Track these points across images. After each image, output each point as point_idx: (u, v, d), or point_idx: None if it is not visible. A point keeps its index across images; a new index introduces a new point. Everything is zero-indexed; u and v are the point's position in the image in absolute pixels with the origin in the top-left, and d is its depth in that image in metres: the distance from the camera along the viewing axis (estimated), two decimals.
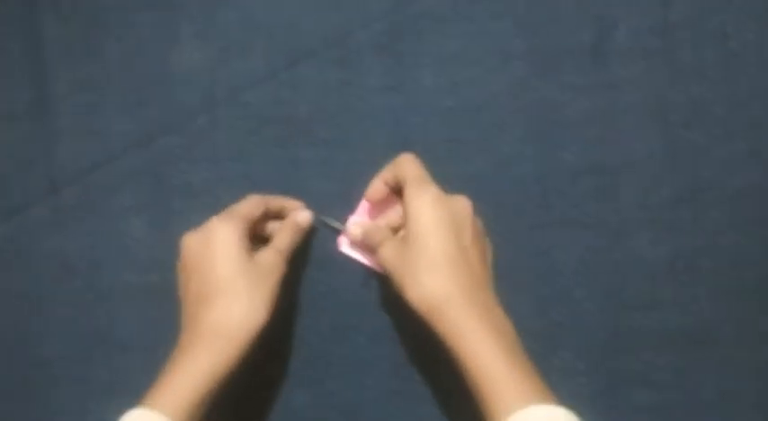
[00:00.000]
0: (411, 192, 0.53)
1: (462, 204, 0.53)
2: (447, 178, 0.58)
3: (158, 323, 0.61)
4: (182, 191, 0.62)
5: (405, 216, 0.53)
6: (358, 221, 0.59)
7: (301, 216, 0.59)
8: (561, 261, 0.61)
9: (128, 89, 0.63)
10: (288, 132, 0.62)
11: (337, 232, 0.60)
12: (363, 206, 0.60)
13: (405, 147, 0.59)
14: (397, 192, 0.56)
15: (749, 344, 0.61)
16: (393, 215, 0.58)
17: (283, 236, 0.57)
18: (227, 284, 0.52)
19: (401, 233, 0.56)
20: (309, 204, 0.60)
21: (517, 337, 0.51)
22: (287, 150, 0.62)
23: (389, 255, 0.53)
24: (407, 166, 0.55)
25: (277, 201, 0.59)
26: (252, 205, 0.57)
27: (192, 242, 0.54)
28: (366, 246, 0.58)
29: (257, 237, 0.58)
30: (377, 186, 0.57)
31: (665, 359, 0.61)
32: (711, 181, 0.61)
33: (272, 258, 0.54)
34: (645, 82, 0.62)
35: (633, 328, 0.61)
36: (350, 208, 0.60)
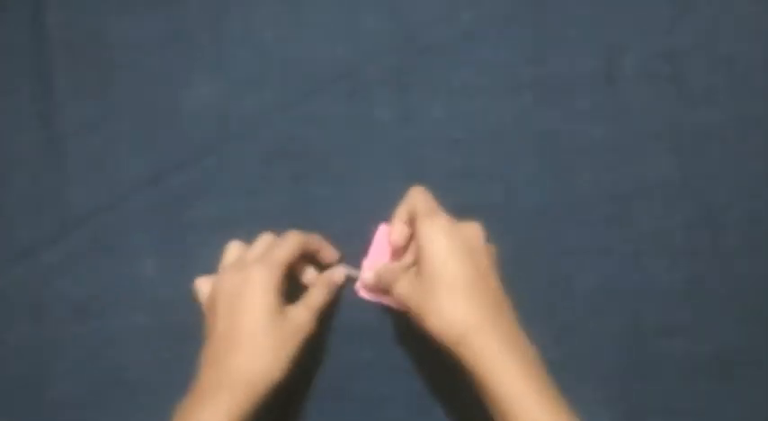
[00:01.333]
0: (422, 223, 0.52)
1: (474, 229, 0.53)
2: (460, 209, 0.58)
3: (171, 365, 0.61)
4: (194, 229, 0.62)
5: (418, 248, 0.53)
6: (370, 266, 0.58)
7: (337, 274, 0.59)
8: (576, 290, 0.61)
9: (138, 127, 0.63)
10: (300, 167, 0.62)
11: (354, 280, 0.60)
12: (376, 247, 0.59)
13: (417, 180, 0.59)
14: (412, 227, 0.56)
15: None
16: (407, 255, 0.57)
17: (318, 293, 0.56)
18: (255, 335, 0.51)
19: (414, 268, 0.56)
20: (323, 238, 0.59)
21: (542, 363, 0.50)
22: (300, 186, 0.62)
23: (406, 290, 0.53)
24: (417, 199, 0.55)
25: (315, 243, 0.58)
26: (292, 247, 0.55)
27: (226, 282, 0.53)
28: (382, 288, 0.57)
29: (290, 276, 0.56)
30: (399, 229, 0.56)
31: (684, 386, 0.60)
32: (726, 205, 0.61)
33: (304, 316, 0.54)
34: (655, 107, 0.62)
35: (652, 356, 0.60)
36: (364, 243, 0.59)
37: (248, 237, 0.60)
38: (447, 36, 0.62)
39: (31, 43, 0.63)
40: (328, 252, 0.59)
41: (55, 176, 0.63)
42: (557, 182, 0.61)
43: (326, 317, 0.61)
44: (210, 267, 0.60)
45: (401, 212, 0.56)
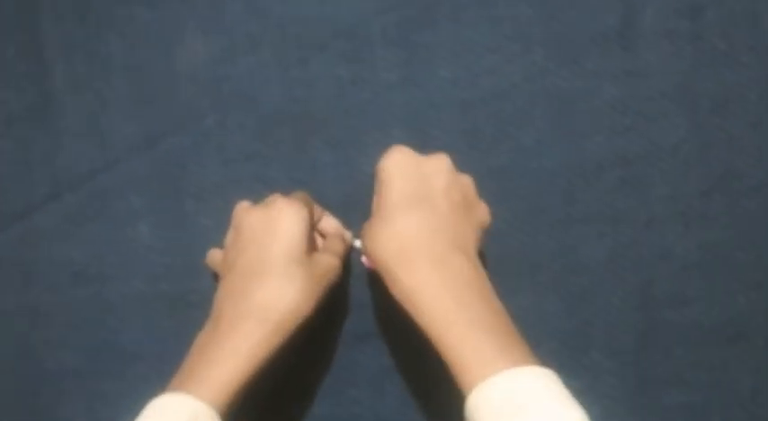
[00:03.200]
0: (382, 158, 0.49)
1: (436, 159, 0.49)
2: (466, 172, 0.56)
3: (169, 331, 0.59)
4: (191, 194, 0.60)
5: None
6: None
7: (347, 233, 0.57)
8: (588, 257, 0.59)
9: (131, 88, 0.60)
10: (300, 131, 0.60)
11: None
12: None
13: (423, 142, 0.56)
14: None
15: None
16: None
17: (336, 242, 0.54)
18: (284, 266, 0.48)
19: None
20: (326, 205, 0.57)
21: (484, 288, 0.46)
22: (300, 149, 0.59)
23: (365, 229, 0.49)
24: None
25: (317, 212, 0.55)
26: (309, 200, 0.53)
27: (255, 215, 0.51)
28: None
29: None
30: None
31: (697, 357, 0.59)
32: (743, 170, 0.59)
33: (331, 260, 0.51)
34: (673, 67, 0.59)
35: (664, 326, 0.59)
36: (366, 209, 0.57)
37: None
38: None
39: (18, 3, 0.60)
40: (329, 222, 0.57)
41: (46, 138, 0.60)
42: (567, 145, 0.59)
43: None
44: (207, 234, 0.59)
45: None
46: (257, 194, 0.55)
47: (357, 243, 0.57)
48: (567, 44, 0.59)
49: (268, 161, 0.60)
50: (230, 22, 0.60)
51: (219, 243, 0.59)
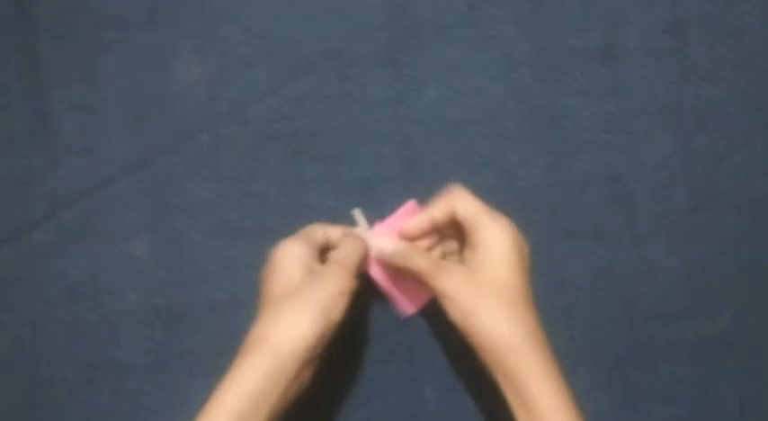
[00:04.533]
0: (484, 221, 0.51)
1: (523, 239, 0.52)
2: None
3: (163, 345, 0.60)
4: (185, 210, 0.61)
5: (476, 244, 0.51)
6: (383, 233, 0.55)
7: (360, 231, 0.56)
8: (574, 273, 0.59)
9: (126, 107, 0.61)
10: (292, 148, 0.61)
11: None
12: (395, 219, 0.55)
13: (411, 160, 0.58)
14: (443, 228, 0.54)
15: None
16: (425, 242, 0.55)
17: (343, 248, 0.53)
18: (278, 298, 0.50)
19: (453, 257, 0.55)
20: (315, 222, 0.58)
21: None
22: (291, 167, 0.61)
23: (455, 284, 0.50)
24: (465, 198, 0.53)
25: (338, 230, 0.55)
26: (314, 229, 0.55)
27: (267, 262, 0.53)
28: (394, 262, 0.54)
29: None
30: (419, 222, 0.54)
31: (684, 372, 0.59)
32: (728, 186, 0.59)
33: (333, 273, 0.51)
34: (657, 84, 0.60)
35: (650, 341, 0.59)
36: (355, 226, 0.58)
37: (239, 220, 0.60)
38: (438, 11, 0.60)
39: (16, 21, 0.62)
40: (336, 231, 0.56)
41: (44, 156, 0.62)
42: (554, 162, 0.60)
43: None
44: (200, 249, 0.60)
45: (440, 207, 0.53)
46: (248, 209, 0.56)
47: (356, 213, 0.56)
48: (552, 63, 0.60)
49: (259, 178, 0.61)
50: (222, 43, 0.61)
51: (211, 257, 0.60)
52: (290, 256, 0.51)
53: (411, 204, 0.56)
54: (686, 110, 0.59)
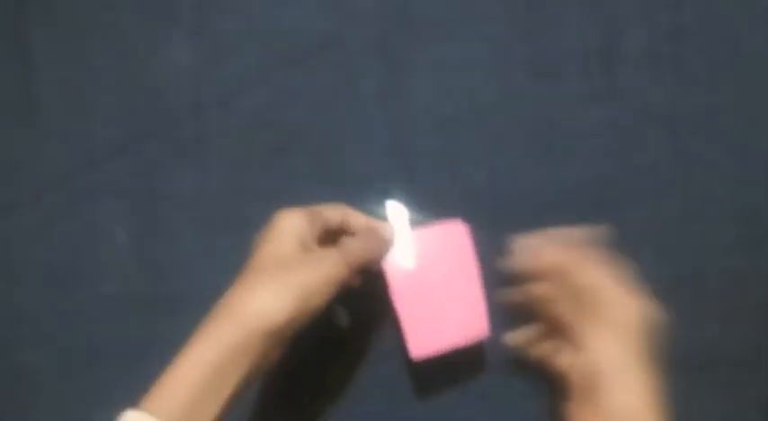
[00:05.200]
0: (617, 293, 0.51)
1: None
2: (443, 192, 0.56)
3: (141, 333, 0.60)
4: (168, 199, 0.60)
5: (600, 315, 0.50)
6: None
7: (388, 229, 0.52)
8: None
9: (114, 93, 0.61)
10: (280, 140, 0.60)
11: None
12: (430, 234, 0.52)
13: (400, 156, 0.57)
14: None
15: (756, 366, 0.58)
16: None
17: (358, 238, 0.50)
18: (257, 271, 0.46)
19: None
20: None
21: None
22: (279, 158, 0.60)
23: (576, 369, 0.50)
24: (566, 253, 0.53)
25: (362, 220, 0.52)
26: (332, 209, 0.51)
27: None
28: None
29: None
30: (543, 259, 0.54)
31: (668, 382, 0.58)
32: (721, 196, 0.58)
33: (331, 259, 0.47)
34: (653, 90, 0.59)
35: None
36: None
37: (224, 212, 0.59)
38: (435, 7, 0.59)
39: (4, 3, 0.61)
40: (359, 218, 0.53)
41: (31, 139, 0.61)
42: (544, 166, 0.59)
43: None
44: (181, 238, 0.59)
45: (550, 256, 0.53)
46: (233, 201, 0.56)
47: (390, 205, 0.54)
48: (547, 64, 0.59)
49: (246, 168, 0.60)
50: (213, 31, 0.60)
51: (193, 248, 0.59)
52: (287, 227, 0.48)
53: (459, 226, 0.53)
54: (681, 116, 0.59)
